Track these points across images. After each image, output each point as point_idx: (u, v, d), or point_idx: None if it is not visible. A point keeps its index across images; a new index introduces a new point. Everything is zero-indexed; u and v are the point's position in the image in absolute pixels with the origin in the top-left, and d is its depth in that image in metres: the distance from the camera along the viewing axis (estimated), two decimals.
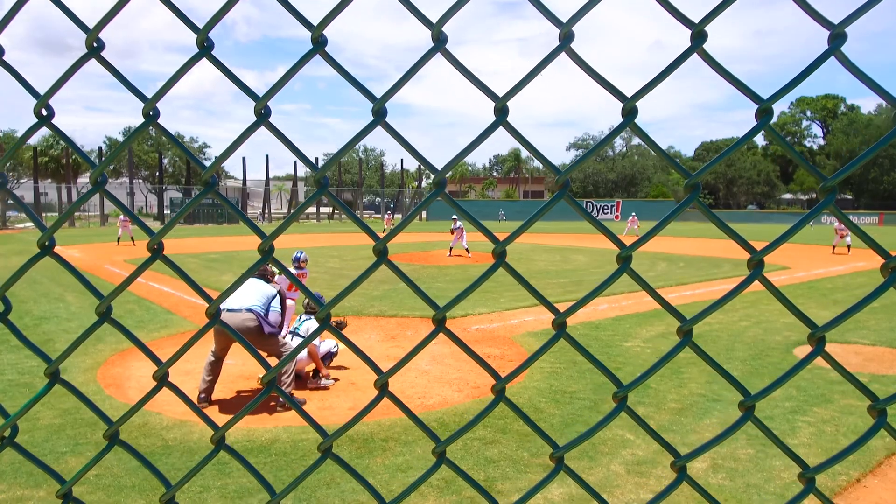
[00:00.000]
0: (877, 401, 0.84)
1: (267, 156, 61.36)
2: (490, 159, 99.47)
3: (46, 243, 0.90)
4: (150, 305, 11.92)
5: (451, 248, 22.53)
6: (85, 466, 0.97)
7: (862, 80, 0.77)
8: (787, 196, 79.17)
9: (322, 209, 67.89)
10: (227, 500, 4.36)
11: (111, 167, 65.41)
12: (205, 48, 0.83)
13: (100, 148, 58.06)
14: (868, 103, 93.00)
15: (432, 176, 0.88)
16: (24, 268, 0.92)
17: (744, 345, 8.85)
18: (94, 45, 0.85)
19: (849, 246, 23.66)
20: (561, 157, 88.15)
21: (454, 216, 22.19)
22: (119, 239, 27.74)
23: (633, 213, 37.52)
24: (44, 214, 47.21)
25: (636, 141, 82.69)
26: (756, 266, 0.81)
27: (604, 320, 10.61)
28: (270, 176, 62.03)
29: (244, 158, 59.88)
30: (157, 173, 60.46)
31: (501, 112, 0.82)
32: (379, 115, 0.84)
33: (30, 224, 50.21)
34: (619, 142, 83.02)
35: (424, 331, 9.98)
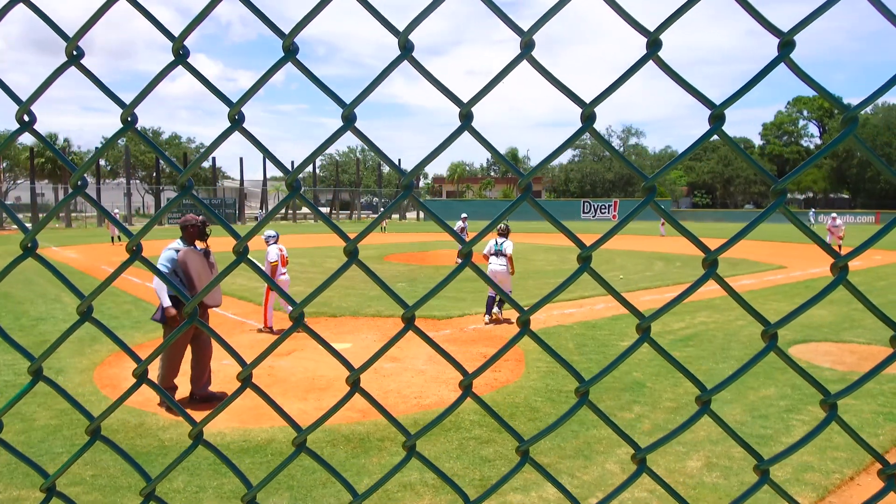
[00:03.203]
0: (828, 395, 0.87)
1: (265, 156, 61.18)
2: (487, 159, 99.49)
3: (29, 245, 0.92)
4: (147, 306, 11.91)
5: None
6: (69, 460, 0.98)
7: (811, 85, 0.79)
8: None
9: (320, 209, 67.76)
10: (223, 499, 4.37)
11: (108, 168, 65.43)
12: (180, 56, 0.85)
13: (97, 148, 57.96)
14: None
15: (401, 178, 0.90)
16: (6, 269, 0.94)
17: (739, 344, 8.88)
18: (74, 53, 0.86)
19: (839, 246, 23.61)
20: (558, 157, 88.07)
21: (464, 214, 21.33)
22: (113, 238, 28.65)
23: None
24: (40, 215, 47.08)
25: (633, 140, 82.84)
26: (710, 265, 0.83)
27: (600, 320, 10.63)
28: (268, 176, 61.98)
29: (241, 159, 59.80)
30: (154, 174, 60.40)
31: (466, 118, 0.84)
32: (348, 122, 0.85)
33: (28, 225, 50.07)
34: (616, 142, 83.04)
35: (423, 330, 9.98)
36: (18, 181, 60.93)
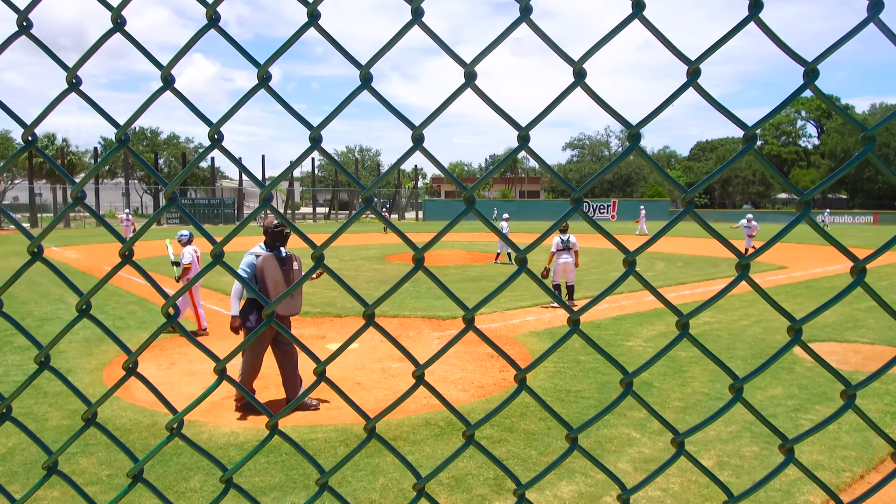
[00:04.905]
0: (848, 385, 0.91)
1: (263, 156, 61.22)
2: (486, 159, 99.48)
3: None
4: (152, 307, 11.94)
5: (499, 254, 20.55)
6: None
7: (834, 109, 0.83)
8: (783, 196, 79.55)
9: (319, 210, 67.77)
10: (240, 499, 4.39)
11: (106, 167, 65.24)
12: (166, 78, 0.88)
13: (95, 149, 57.89)
14: (862, 103, 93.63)
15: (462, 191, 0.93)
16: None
17: (744, 344, 8.93)
18: (167, 79, 0.89)
19: (753, 248, 22.32)
20: (557, 157, 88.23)
21: (505, 215, 21.00)
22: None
23: (642, 208, 37.56)
24: (38, 216, 47.01)
25: None
26: (744, 268, 0.88)
27: (605, 320, 10.68)
28: (266, 176, 61.95)
29: (240, 159, 59.75)
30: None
31: (524, 140, 0.88)
32: (418, 141, 0.89)
33: (26, 225, 50.01)
34: (615, 142, 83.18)
35: (427, 330, 10.02)
36: (16, 181, 60.74)
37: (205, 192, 61.64)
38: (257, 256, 6.13)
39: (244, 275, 6.01)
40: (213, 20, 0.82)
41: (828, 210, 53.69)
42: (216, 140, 0.87)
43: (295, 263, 6.28)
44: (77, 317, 0.97)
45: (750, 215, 22.54)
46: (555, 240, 12.18)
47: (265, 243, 6.25)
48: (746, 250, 21.55)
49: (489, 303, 11.66)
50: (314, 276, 6.42)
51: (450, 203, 65.60)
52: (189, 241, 9.94)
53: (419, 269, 0.95)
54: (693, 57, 0.83)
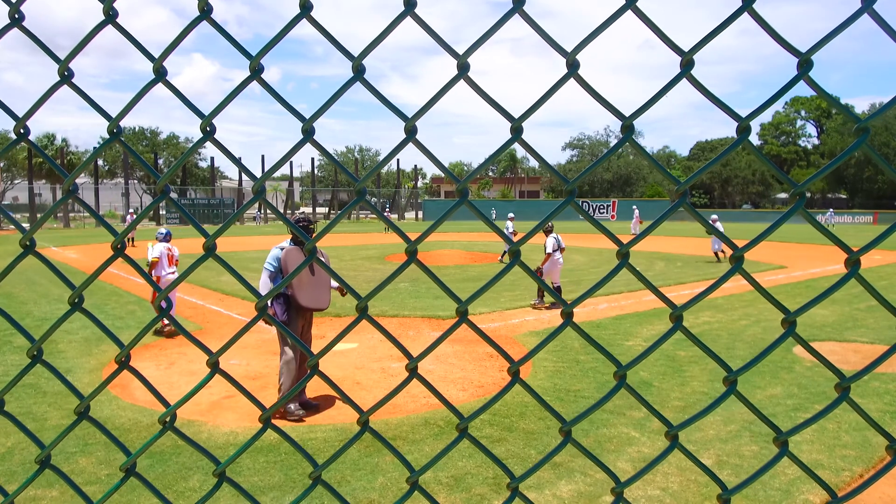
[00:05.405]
0: (843, 378, 0.92)
1: (263, 156, 61.39)
2: (486, 159, 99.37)
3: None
4: (151, 306, 11.94)
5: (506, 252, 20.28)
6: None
7: (830, 101, 0.83)
8: (782, 195, 79.56)
9: (319, 209, 67.77)
10: (240, 498, 4.39)
11: (106, 168, 65.27)
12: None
13: (94, 148, 58.04)
14: (862, 103, 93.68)
15: (455, 184, 0.92)
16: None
17: (744, 343, 8.92)
18: (159, 71, 0.89)
19: (716, 253, 20.41)
20: (556, 157, 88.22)
21: (511, 214, 20.94)
22: (131, 240, 28.50)
23: (635, 207, 36.53)
24: (38, 215, 47.03)
25: None
26: (737, 260, 0.89)
27: (604, 319, 10.67)
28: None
29: (240, 159, 59.74)
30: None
31: (517, 131, 0.87)
32: (411, 133, 0.88)
33: (26, 225, 50.04)
34: (615, 142, 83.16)
35: (426, 330, 10.02)
36: (16, 181, 60.77)
37: (204, 192, 61.66)
38: (282, 249, 6.18)
39: (270, 268, 6.12)
40: (206, 12, 0.81)
41: (831, 210, 53.72)
42: (208, 132, 0.86)
43: (321, 258, 6.35)
44: (69, 310, 0.98)
45: (715, 216, 20.96)
46: (549, 240, 12.17)
47: (291, 239, 6.35)
48: (716, 253, 20.31)
49: (490, 303, 11.66)
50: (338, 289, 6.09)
51: (450, 203, 65.68)
52: (165, 239, 9.85)
53: (412, 261, 0.94)
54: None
